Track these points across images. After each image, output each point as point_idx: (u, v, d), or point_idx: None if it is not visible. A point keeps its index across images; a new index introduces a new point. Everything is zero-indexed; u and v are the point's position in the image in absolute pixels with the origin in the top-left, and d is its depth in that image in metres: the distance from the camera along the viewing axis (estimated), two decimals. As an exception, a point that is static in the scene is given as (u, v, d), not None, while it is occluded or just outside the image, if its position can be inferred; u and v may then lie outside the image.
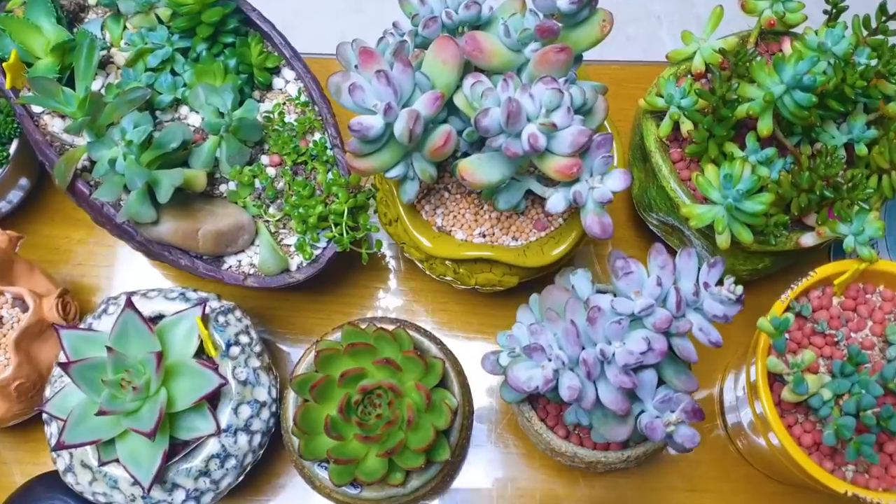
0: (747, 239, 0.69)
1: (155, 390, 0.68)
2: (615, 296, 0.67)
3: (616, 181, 0.63)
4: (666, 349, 0.62)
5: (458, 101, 0.66)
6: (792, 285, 0.73)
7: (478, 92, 0.62)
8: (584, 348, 0.64)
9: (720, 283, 0.64)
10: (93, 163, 0.73)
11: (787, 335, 0.72)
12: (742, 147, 0.74)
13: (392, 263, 0.93)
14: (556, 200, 0.63)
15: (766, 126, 0.69)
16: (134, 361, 0.69)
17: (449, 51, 0.64)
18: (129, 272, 0.91)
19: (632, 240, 0.95)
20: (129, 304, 0.69)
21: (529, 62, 0.64)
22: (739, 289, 0.62)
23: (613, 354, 0.62)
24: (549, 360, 0.63)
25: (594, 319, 0.62)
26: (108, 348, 0.67)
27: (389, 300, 0.92)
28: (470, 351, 0.88)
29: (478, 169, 0.64)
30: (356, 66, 0.64)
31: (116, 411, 0.67)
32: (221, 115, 0.73)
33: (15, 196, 0.89)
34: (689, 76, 0.79)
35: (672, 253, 0.64)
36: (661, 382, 0.66)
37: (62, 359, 0.71)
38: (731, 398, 0.84)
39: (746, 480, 0.86)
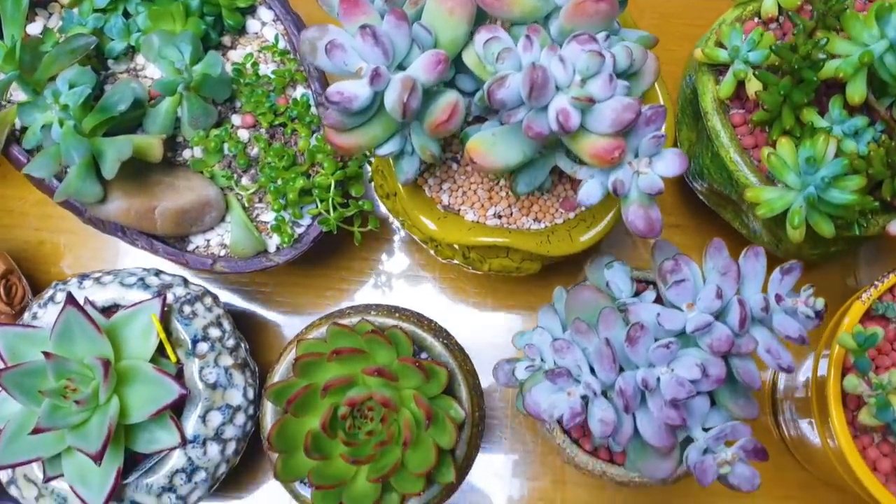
0: (828, 231, 0.56)
1: (105, 400, 0.58)
2: (658, 294, 0.54)
3: (668, 165, 0.50)
4: (724, 376, 0.50)
5: (468, 58, 0.52)
6: (875, 283, 0.60)
7: (493, 52, 0.48)
8: (622, 369, 0.52)
9: (794, 288, 0.51)
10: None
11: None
12: (822, 111, 0.60)
13: (395, 230, 0.80)
14: (591, 190, 0.50)
15: (858, 92, 0.55)
16: (79, 367, 0.58)
17: (457, -5, 0.50)
18: (93, 239, 0.79)
19: (676, 205, 0.81)
20: (71, 299, 0.58)
21: (560, 11, 0.50)
22: (820, 302, 0.50)
23: (658, 381, 0.50)
24: (577, 382, 0.52)
25: (636, 340, 0.50)
26: (46, 353, 0.56)
27: (391, 275, 0.79)
28: (483, 335, 0.77)
29: (491, 148, 0.51)
30: (339, 15, 0.50)
31: (58, 426, 0.57)
32: (179, 71, 0.59)
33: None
34: (758, 20, 0.64)
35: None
36: (712, 402, 0.55)
37: (-3, 362, 0.60)
38: (786, 386, 0.72)
39: (800, 486, 0.75)
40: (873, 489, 0.58)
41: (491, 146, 0.51)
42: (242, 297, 0.78)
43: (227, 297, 0.78)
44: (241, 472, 0.74)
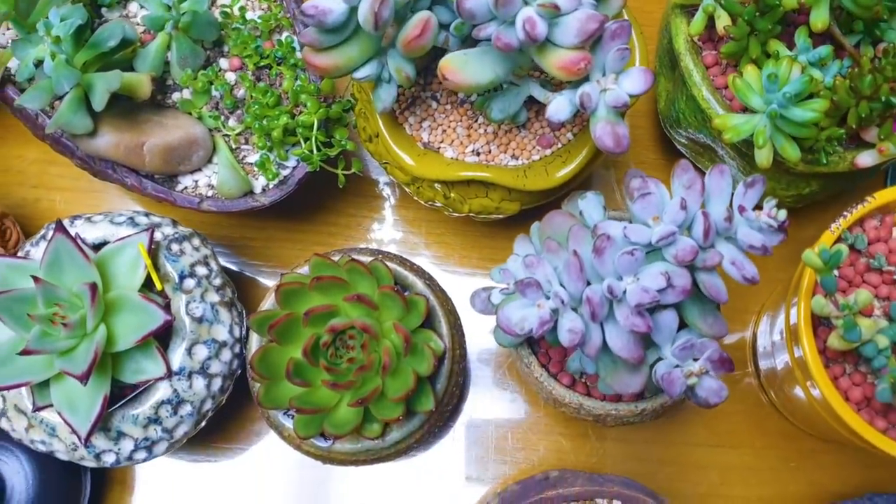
0: (793, 155, 0.57)
1: (93, 327, 0.59)
2: (631, 223, 0.56)
3: (634, 81, 0.51)
4: (689, 286, 0.51)
5: (441, -20, 0.54)
6: (844, 213, 0.61)
7: (463, -33, 0.50)
8: (590, 283, 0.53)
9: (758, 207, 0.52)
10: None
11: (836, 272, 0.60)
12: (790, 46, 0.61)
13: (383, 190, 0.82)
14: (560, 105, 0.52)
15: (820, 18, 0.56)
16: (68, 294, 0.59)
17: (429, -84, 0.52)
18: (88, 197, 0.81)
19: (657, 163, 0.83)
20: (60, 227, 0.59)
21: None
22: (782, 214, 0.51)
23: (624, 292, 0.51)
24: (547, 297, 0.53)
25: (602, 250, 0.51)
26: (35, 278, 0.58)
27: (378, 231, 0.81)
28: (468, 288, 0.78)
29: (463, 66, 0.53)
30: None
31: (47, 350, 0.58)
32: (168, 7, 0.62)
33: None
34: (727, -39, 0.66)
35: (702, 172, 0.53)
36: (682, 325, 0.56)
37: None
38: (766, 343, 0.73)
39: (780, 435, 0.76)
40: (846, 416, 0.58)
41: (463, 64, 0.53)
42: (231, 252, 0.80)
43: (216, 251, 0.80)
44: (229, 421, 0.75)
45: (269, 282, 0.80)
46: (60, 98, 0.61)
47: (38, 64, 0.61)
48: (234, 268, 0.80)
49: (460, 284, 0.78)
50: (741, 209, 0.51)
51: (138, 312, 0.60)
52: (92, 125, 0.61)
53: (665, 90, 0.73)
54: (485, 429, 0.76)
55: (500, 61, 0.53)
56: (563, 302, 0.51)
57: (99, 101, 0.59)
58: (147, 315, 0.60)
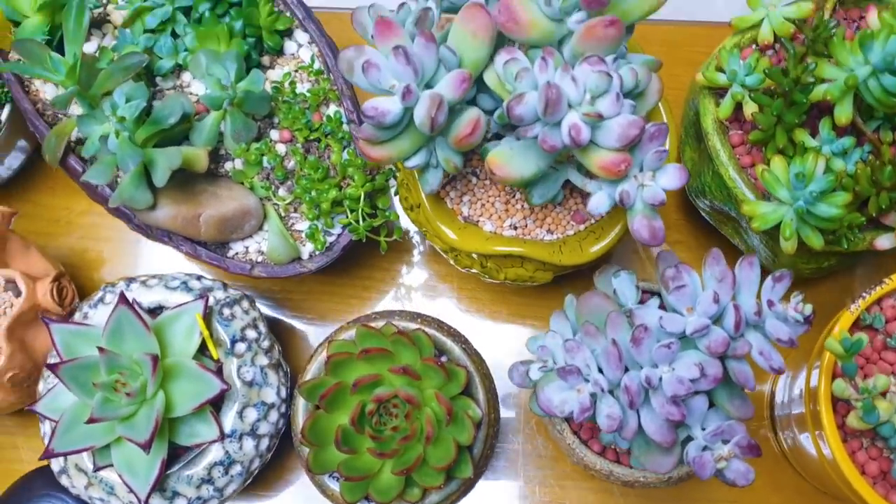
0: (817, 243, 0.60)
1: (152, 394, 0.63)
2: (662, 302, 0.59)
3: (670, 178, 0.54)
4: (721, 376, 0.54)
5: (489, 78, 0.57)
6: (863, 293, 0.65)
7: (512, 72, 0.53)
8: (627, 369, 0.56)
9: (785, 297, 0.56)
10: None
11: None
12: (813, 133, 0.64)
13: (416, 244, 0.85)
14: (600, 200, 0.55)
15: (844, 114, 0.59)
16: (129, 362, 0.63)
17: (479, 21, 0.55)
18: (134, 248, 0.85)
19: (680, 224, 0.86)
20: (123, 299, 0.63)
21: (573, 35, 0.55)
22: (808, 308, 0.54)
23: (661, 379, 0.54)
24: (586, 380, 0.56)
25: (640, 340, 0.54)
26: (100, 349, 0.61)
27: (412, 285, 0.84)
28: (498, 343, 0.81)
29: (509, 161, 0.56)
30: (373, 36, 0.55)
31: (109, 417, 0.61)
32: (225, 87, 0.65)
33: (15, 160, 0.83)
34: (755, 47, 0.69)
35: (721, 247, 0.56)
36: (710, 403, 0.59)
37: (53, 355, 0.65)
38: (784, 398, 0.76)
39: (795, 490, 0.79)
40: (862, 491, 0.61)
41: (509, 159, 0.56)
42: (272, 304, 0.83)
43: (258, 303, 0.83)
44: (269, 471, 0.78)
45: (308, 331, 0.83)
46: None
47: (102, 139, 0.64)
48: (274, 318, 0.83)
49: (491, 340, 0.81)
50: (770, 303, 0.54)
51: (195, 380, 0.63)
52: (152, 199, 0.65)
53: (690, 159, 0.76)
54: (513, 481, 0.79)
55: (543, 155, 0.56)
56: (602, 389, 0.54)
57: (160, 178, 0.62)
58: (204, 383, 0.63)
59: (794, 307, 0.54)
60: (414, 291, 0.84)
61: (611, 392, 0.56)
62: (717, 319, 0.55)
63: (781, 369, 0.54)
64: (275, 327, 0.83)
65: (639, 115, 0.57)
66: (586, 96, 0.52)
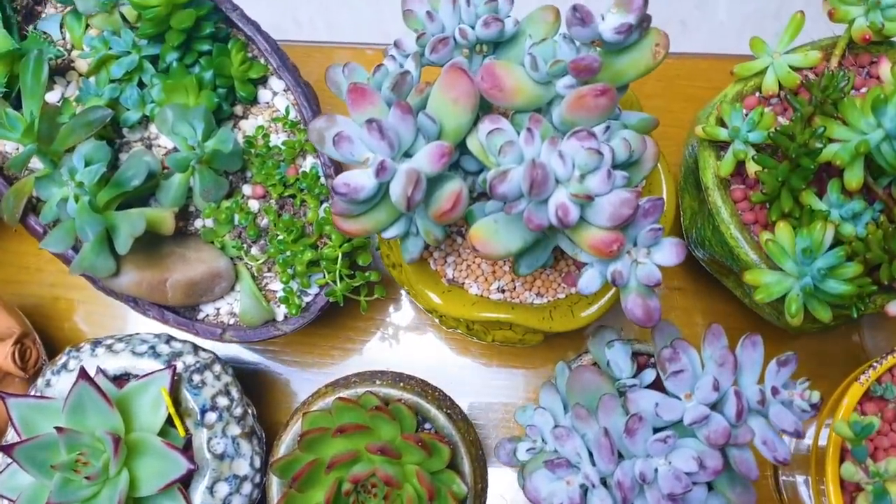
0: (825, 317, 0.57)
1: (115, 473, 0.59)
2: (659, 377, 0.55)
3: (666, 255, 0.50)
4: (721, 468, 0.50)
5: (472, 145, 0.53)
6: (874, 364, 0.61)
7: (495, 144, 0.49)
8: (621, 456, 0.52)
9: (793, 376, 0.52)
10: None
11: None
12: (821, 192, 0.60)
13: (401, 292, 0.81)
14: (591, 279, 0.51)
15: (855, 178, 0.56)
16: (91, 440, 0.59)
17: (460, 88, 0.51)
18: (106, 299, 0.81)
19: (678, 270, 0.82)
20: (84, 374, 0.59)
21: (562, 102, 0.51)
22: (815, 395, 0.50)
23: (656, 471, 0.50)
24: (577, 468, 0.52)
25: (634, 431, 0.50)
26: (59, 428, 0.57)
27: (396, 334, 0.80)
28: (488, 396, 0.78)
29: (494, 236, 0.52)
30: (348, 104, 0.51)
31: (69, 501, 0.58)
32: (191, 147, 0.61)
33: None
34: (759, 95, 0.65)
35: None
36: (709, 486, 0.55)
37: (10, 434, 0.61)
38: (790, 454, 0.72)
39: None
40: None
41: (493, 234, 0.52)
42: (250, 354, 0.79)
43: (235, 352, 0.80)
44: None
45: (288, 378, 0.79)
46: (83, 236, 0.61)
47: (62, 201, 0.60)
48: (251, 366, 0.79)
49: (480, 392, 0.77)
50: (774, 391, 0.51)
51: (161, 458, 0.59)
52: (115, 266, 0.61)
53: (690, 208, 0.72)
54: (503, 543, 0.75)
55: (531, 230, 0.52)
56: (593, 485, 0.51)
57: (123, 246, 0.58)
58: (170, 462, 0.59)
59: (799, 394, 0.50)
60: (399, 340, 0.80)
61: (603, 482, 0.52)
62: (716, 405, 0.51)
63: (787, 461, 0.51)
64: (252, 379, 0.79)
65: (633, 184, 0.54)
66: (575, 173, 0.48)
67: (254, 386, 0.78)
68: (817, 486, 0.63)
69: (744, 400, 0.50)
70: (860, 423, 0.54)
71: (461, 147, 0.55)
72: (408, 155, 0.52)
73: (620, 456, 0.52)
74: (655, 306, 0.52)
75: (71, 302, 0.81)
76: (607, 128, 0.51)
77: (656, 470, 0.50)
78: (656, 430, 0.52)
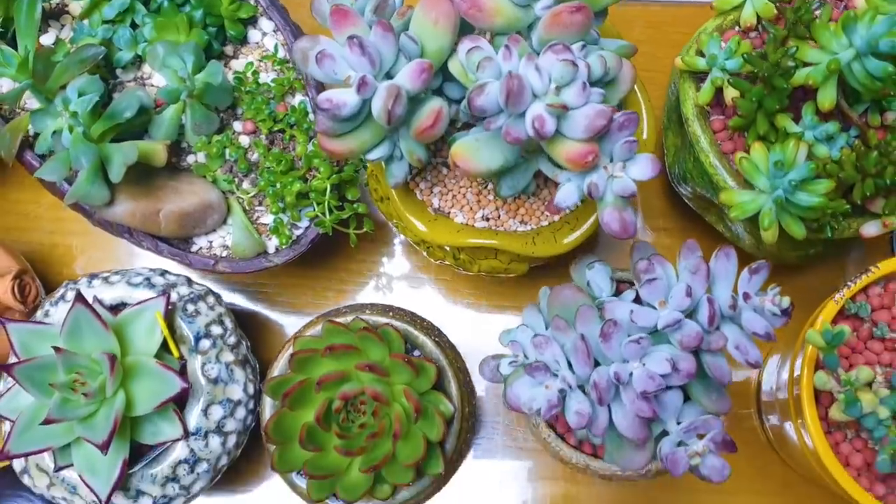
0: (799, 232, 0.58)
1: (111, 393, 0.61)
2: (638, 297, 0.57)
3: (641, 169, 0.52)
4: (694, 371, 0.52)
5: (453, 67, 0.55)
6: (848, 282, 0.62)
7: (474, 61, 0.51)
8: (598, 364, 0.54)
9: (763, 287, 0.54)
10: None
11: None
12: (797, 119, 0.62)
13: (394, 234, 0.83)
14: (568, 192, 0.53)
15: (828, 98, 0.57)
16: (87, 361, 0.61)
17: (441, 8, 0.53)
18: (103, 242, 0.82)
19: (664, 210, 0.83)
20: (80, 297, 0.61)
21: (539, 21, 0.53)
22: (786, 301, 0.52)
23: (630, 375, 0.52)
24: (555, 375, 0.54)
25: (609, 335, 0.52)
26: (56, 348, 0.59)
27: (389, 277, 0.82)
28: (478, 335, 0.79)
29: (475, 154, 0.54)
30: (330, 25, 0.53)
31: (68, 418, 0.60)
32: (182, 80, 0.63)
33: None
34: (738, 29, 0.67)
35: (704, 234, 0.54)
36: (686, 397, 0.57)
37: (11, 356, 0.63)
38: (772, 384, 0.74)
39: (781, 481, 0.77)
40: (845, 484, 0.60)
41: (474, 151, 0.54)
42: (245, 298, 0.81)
43: (230, 297, 0.81)
44: (243, 466, 0.77)
45: (283, 322, 0.81)
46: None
47: (56, 133, 0.62)
48: (247, 310, 0.81)
49: (468, 329, 0.79)
50: (746, 296, 0.52)
51: (156, 379, 0.61)
52: (109, 195, 0.63)
53: (673, 145, 0.74)
54: (492, 474, 0.77)
55: (510, 147, 0.54)
56: (570, 386, 0.52)
57: (116, 174, 0.60)
58: (164, 382, 0.61)
59: (770, 300, 0.52)
60: (391, 283, 0.82)
61: (580, 388, 0.54)
62: (690, 313, 0.53)
63: (758, 364, 0.52)
64: (248, 321, 0.81)
65: (610, 103, 0.55)
66: (551, 86, 0.49)
67: (248, 329, 0.80)
68: (795, 412, 0.64)
69: (716, 306, 0.52)
70: (831, 332, 0.55)
71: (444, 73, 0.57)
72: (389, 76, 0.53)
73: (597, 363, 0.54)
74: (631, 219, 0.53)
75: (68, 248, 0.83)
76: (584, 46, 0.53)
77: (631, 373, 0.52)
78: (633, 341, 0.53)
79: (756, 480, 0.77)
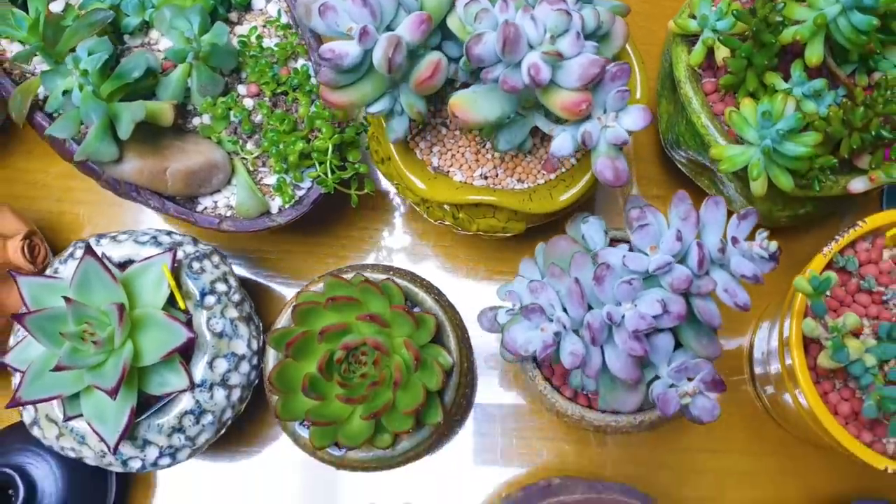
0: (787, 185, 0.60)
1: (120, 343, 0.63)
2: (631, 249, 0.59)
3: (633, 119, 0.54)
4: (684, 312, 0.54)
5: (452, 23, 0.57)
6: (836, 237, 0.64)
7: (472, 13, 0.53)
8: (591, 307, 0.56)
9: (751, 236, 0.55)
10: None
11: (828, 293, 0.63)
12: (786, 77, 0.64)
13: (396, 205, 0.85)
14: (563, 141, 0.55)
15: (815, 54, 0.59)
16: (96, 312, 0.63)
17: (439, -38, 0.55)
18: (111, 210, 0.85)
19: (659, 178, 0.85)
20: (89, 250, 0.63)
21: (535, -23, 0.55)
22: (773, 245, 0.54)
23: (623, 317, 0.54)
24: (550, 320, 0.56)
25: (602, 278, 0.54)
26: (66, 298, 0.61)
27: (389, 243, 0.84)
28: (477, 300, 0.81)
29: (472, 105, 0.55)
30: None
31: (78, 366, 0.61)
32: (189, 40, 0.65)
33: (-13, 126, 0.83)
34: (728, -8, 0.69)
35: (698, 200, 0.56)
36: (678, 344, 0.59)
37: (22, 308, 0.65)
38: (763, 350, 0.76)
39: (776, 441, 0.79)
40: (834, 431, 0.61)
41: (472, 102, 0.55)
42: (249, 264, 0.83)
43: (234, 263, 0.83)
44: (247, 426, 0.79)
45: (285, 291, 0.83)
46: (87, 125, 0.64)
47: (66, 93, 0.63)
48: (251, 277, 0.83)
49: (468, 295, 0.81)
50: (734, 240, 0.54)
51: (163, 330, 0.63)
52: (117, 153, 0.65)
53: (666, 112, 0.76)
54: (491, 434, 0.79)
55: (507, 99, 0.56)
56: (565, 327, 0.54)
57: (125, 131, 0.62)
58: (171, 332, 0.63)
59: (758, 244, 0.54)
60: (392, 250, 0.84)
61: (575, 331, 0.56)
62: (681, 258, 0.55)
63: (747, 306, 0.54)
64: (251, 286, 0.83)
65: (603, 57, 0.57)
66: (546, 36, 0.51)
67: (252, 294, 0.82)
68: (784, 366, 0.66)
69: (705, 250, 0.53)
70: (818, 279, 0.57)
71: (443, 32, 0.59)
72: (390, 28, 0.55)
73: (591, 308, 0.56)
74: (623, 168, 0.55)
75: (76, 216, 0.85)
76: (577, 0, 0.55)
77: (623, 315, 0.54)
78: (625, 286, 0.55)
79: (751, 440, 0.79)
